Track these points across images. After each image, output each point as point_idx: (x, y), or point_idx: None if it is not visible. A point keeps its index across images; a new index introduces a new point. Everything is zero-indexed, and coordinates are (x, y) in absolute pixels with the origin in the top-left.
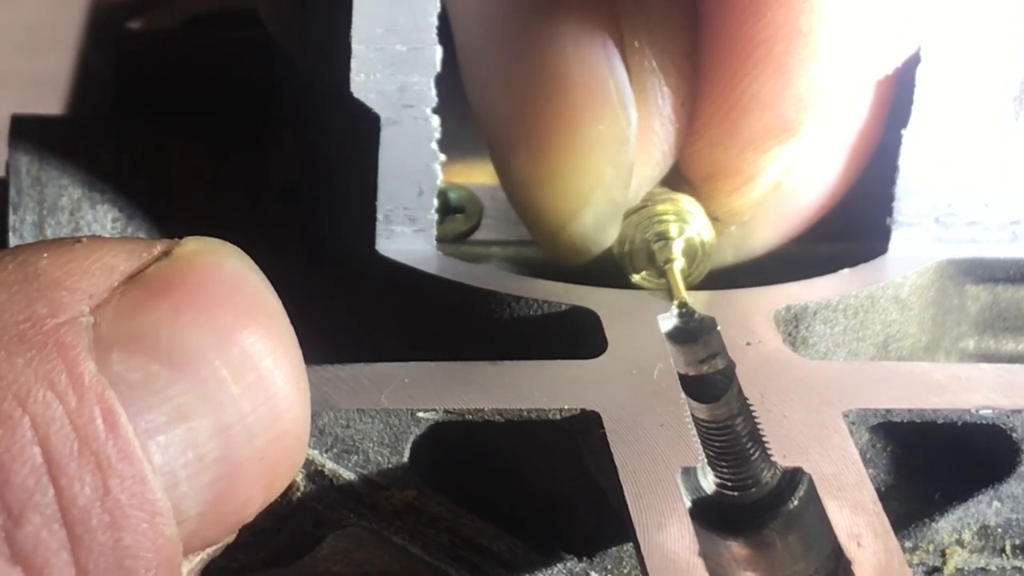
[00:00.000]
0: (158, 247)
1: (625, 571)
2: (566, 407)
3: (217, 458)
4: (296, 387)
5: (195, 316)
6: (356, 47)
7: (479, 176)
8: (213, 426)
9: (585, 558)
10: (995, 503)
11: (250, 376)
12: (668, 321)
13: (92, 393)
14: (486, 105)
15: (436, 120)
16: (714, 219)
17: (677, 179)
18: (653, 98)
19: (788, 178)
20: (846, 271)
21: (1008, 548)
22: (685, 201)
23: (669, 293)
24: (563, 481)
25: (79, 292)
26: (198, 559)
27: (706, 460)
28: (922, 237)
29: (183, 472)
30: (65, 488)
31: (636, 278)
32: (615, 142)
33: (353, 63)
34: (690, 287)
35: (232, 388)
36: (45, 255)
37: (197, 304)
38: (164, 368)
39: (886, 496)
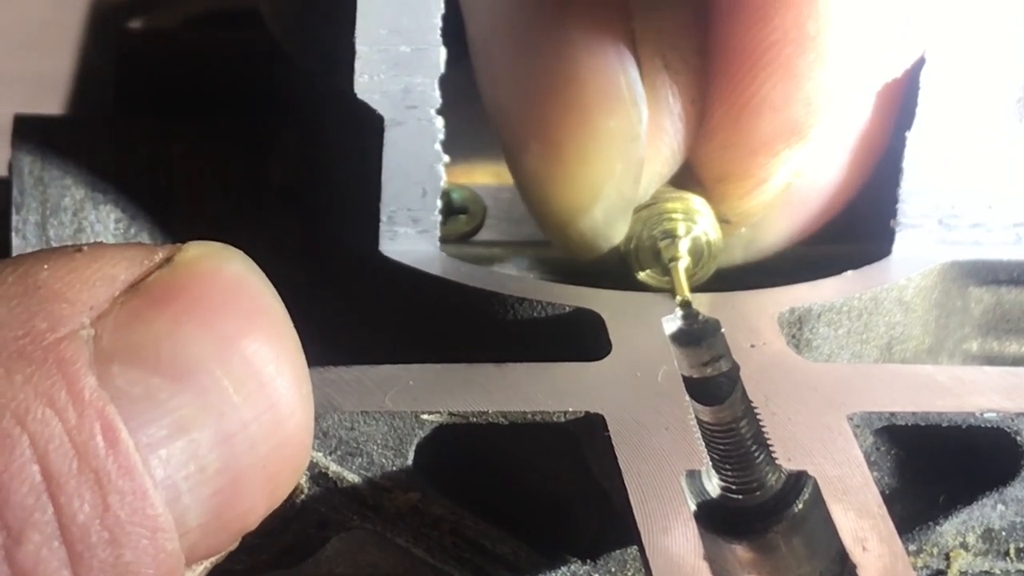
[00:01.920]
0: (160, 254)
1: (629, 574)
2: (570, 409)
3: (219, 469)
4: (299, 393)
5: (196, 325)
6: (360, 48)
7: (482, 177)
8: (215, 437)
9: (589, 561)
10: (999, 506)
11: (252, 384)
12: (672, 323)
13: (92, 409)
14: (498, 100)
15: (440, 121)
16: (725, 222)
17: (688, 179)
18: (664, 95)
19: (798, 179)
20: (850, 273)
21: (1012, 551)
22: (694, 200)
23: (673, 292)
24: (567, 484)
25: (79, 304)
26: (201, 568)
27: (710, 463)
28: (926, 239)
29: (185, 484)
30: (64, 506)
31: (641, 275)
32: (625, 138)
33: (357, 64)
34: (695, 287)
35: (234, 397)
36: (45, 266)
37: (198, 313)
38: (165, 380)
39: (890, 499)
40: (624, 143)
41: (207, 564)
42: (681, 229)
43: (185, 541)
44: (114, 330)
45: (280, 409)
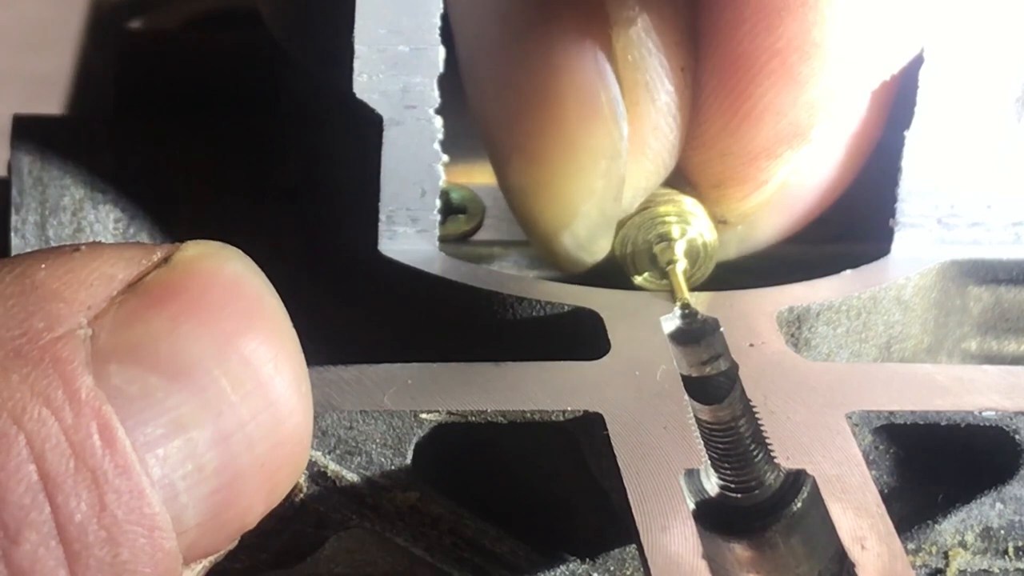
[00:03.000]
0: (158, 253)
1: (628, 573)
2: (569, 408)
3: (217, 468)
4: (297, 392)
5: (194, 325)
6: (359, 48)
7: (481, 176)
8: (213, 436)
9: (588, 560)
10: (998, 505)
11: (250, 384)
12: (671, 322)
13: (89, 408)
14: (483, 113)
15: (439, 121)
16: (722, 222)
17: (678, 182)
18: (646, 112)
19: (794, 177)
20: (849, 272)
21: (1011, 550)
22: (687, 202)
23: (672, 295)
24: (566, 483)
25: (77, 304)
26: (199, 567)
27: (709, 462)
28: (925, 238)
29: (182, 484)
30: (62, 505)
31: (638, 280)
32: (607, 156)
33: (356, 64)
34: (692, 288)
35: (232, 397)
36: (43, 266)
37: (196, 312)
38: (163, 379)
39: (889, 498)
40: (605, 161)
41: (205, 563)
42: (676, 232)
43: (183, 540)
44: (112, 329)
45: (278, 408)
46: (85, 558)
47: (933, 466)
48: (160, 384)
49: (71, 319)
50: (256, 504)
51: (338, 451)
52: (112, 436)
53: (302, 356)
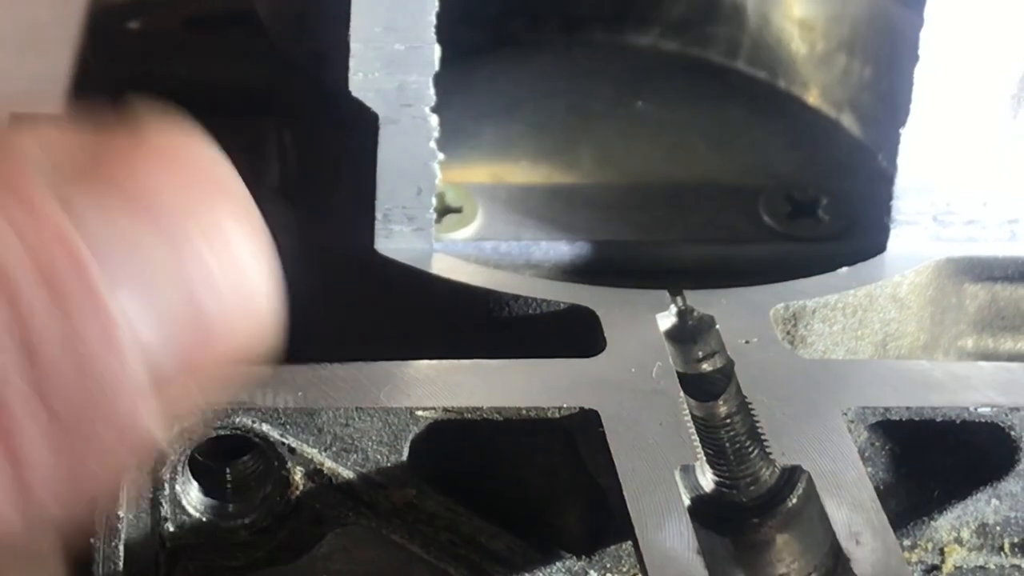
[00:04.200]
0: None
1: (624, 569)
2: (565, 406)
3: (179, 301)
4: (262, 259)
5: (163, 176)
6: (355, 46)
7: (477, 175)
8: (179, 279)
9: (584, 556)
10: (994, 501)
11: (217, 236)
12: (667, 320)
13: (45, 215)
14: None
15: (435, 119)
16: None
17: None
18: None
19: None
20: (845, 270)
21: (1007, 546)
22: None
23: (668, 295)
24: (562, 479)
25: (36, 142)
26: (171, 422)
27: (705, 458)
28: (921, 236)
29: (140, 304)
30: (15, 299)
31: None
32: None
33: (352, 62)
34: None
35: (198, 242)
36: None
37: (167, 165)
38: (126, 214)
39: (885, 494)
40: None
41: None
42: None
43: (146, 356)
44: (72, 166)
45: (244, 262)
46: (45, 345)
47: (929, 462)
48: (123, 217)
49: (29, 150)
50: (221, 345)
51: (334, 448)
52: (64, 236)
53: (267, 238)
